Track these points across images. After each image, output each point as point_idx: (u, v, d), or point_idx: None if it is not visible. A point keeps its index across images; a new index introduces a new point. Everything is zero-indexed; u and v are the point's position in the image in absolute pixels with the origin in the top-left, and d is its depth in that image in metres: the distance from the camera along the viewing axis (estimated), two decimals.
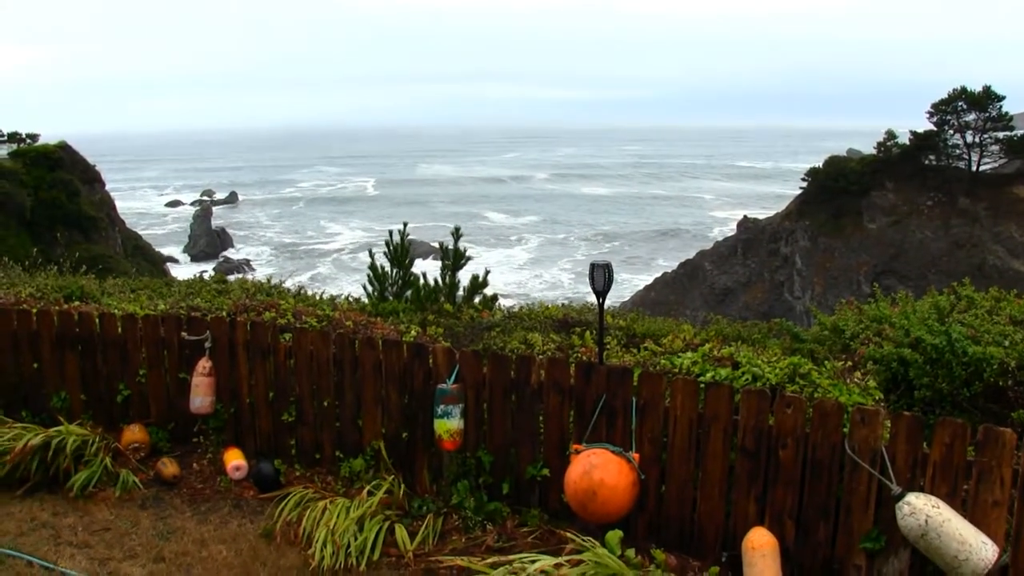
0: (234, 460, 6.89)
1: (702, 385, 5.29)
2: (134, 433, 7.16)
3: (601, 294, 5.66)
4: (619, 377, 5.49)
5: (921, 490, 4.51)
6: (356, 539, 5.60)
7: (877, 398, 5.44)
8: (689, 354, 5.99)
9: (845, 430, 4.80)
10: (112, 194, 58.65)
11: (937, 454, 4.47)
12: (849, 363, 5.96)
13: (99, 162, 57.25)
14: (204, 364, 7.00)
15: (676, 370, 5.76)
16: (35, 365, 7.51)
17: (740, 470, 5.14)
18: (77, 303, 8.63)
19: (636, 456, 5.37)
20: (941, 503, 4.32)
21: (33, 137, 54.89)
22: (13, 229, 42.56)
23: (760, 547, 4.86)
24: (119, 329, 7.34)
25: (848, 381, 5.53)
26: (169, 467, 6.85)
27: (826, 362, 5.76)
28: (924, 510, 4.28)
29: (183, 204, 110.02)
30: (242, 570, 5.50)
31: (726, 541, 5.25)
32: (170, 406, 7.35)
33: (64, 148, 51.78)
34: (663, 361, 6.08)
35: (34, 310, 7.59)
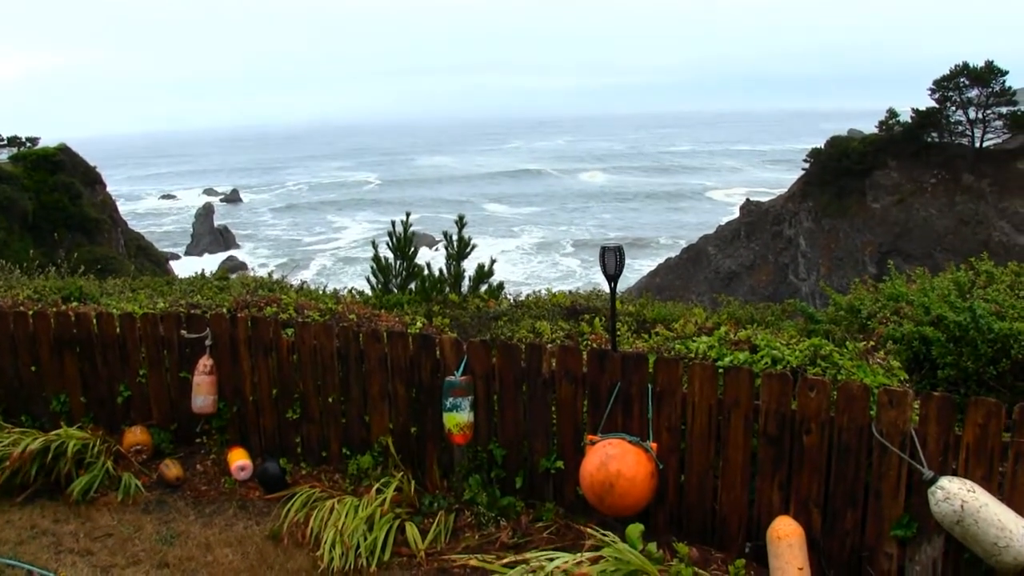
0: (238, 460, 6.71)
1: (720, 370, 5.10)
2: (136, 435, 6.99)
3: (613, 278, 5.47)
4: (634, 364, 5.30)
5: (954, 474, 4.32)
6: (366, 539, 5.44)
7: (902, 379, 5.25)
8: (704, 338, 5.79)
9: (872, 413, 4.61)
10: (113, 196, 58.47)
11: (971, 436, 4.27)
12: (871, 343, 5.75)
13: (100, 164, 57.02)
14: (205, 362, 6.82)
15: (692, 355, 5.57)
16: (33, 368, 7.34)
17: (763, 457, 4.96)
18: (75, 304, 8.46)
19: (654, 445, 5.19)
20: (977, 487, 4.12)
21: (33, 140, 54.68)
22: (16, 233, 42.42)
23: (786, 536, 4.67)
24: (117, 329, 7.16)
25: (871, 362, 5.34)
26: (172, 469, 6.68)
27: (848, 343, 5.55)
28: (959, 495, 4.08)
29: (185, 204, 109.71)
30: (249, 574, 5.33)
31: (750, 531, 5.08)
32: (172, 406, 7.17)
33: (64, 151, 51.53)
34: (678, 346, 5.88)
35: (31, 312, 7.41)
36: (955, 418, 4.37)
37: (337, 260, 73.68)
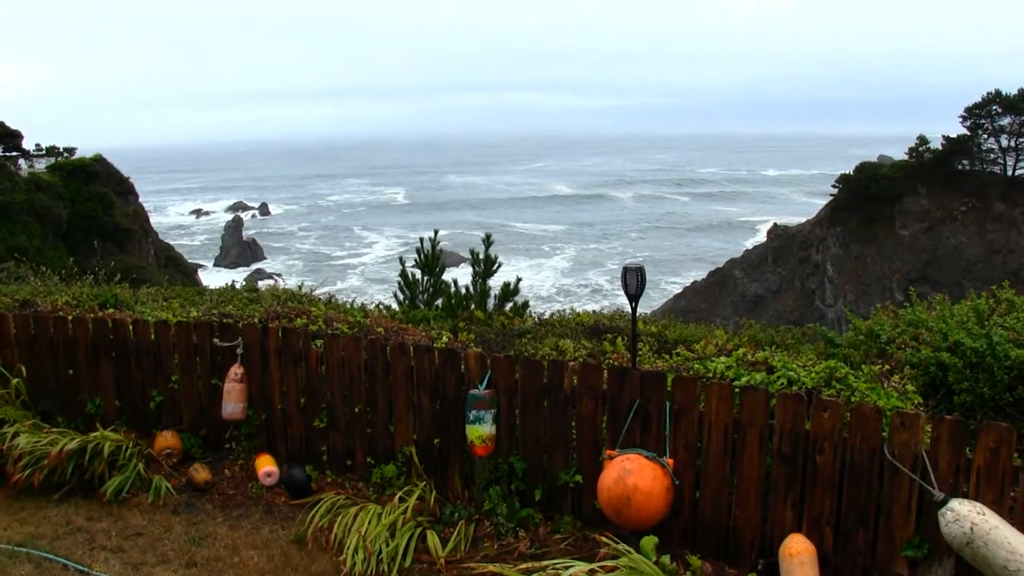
0: (265, 466, 6.89)
1: (737, 389, 5.22)
2: (167, 439, 7.20)
3: (634, 298, 5.60)
4: (653, 381, 5.43)
5: (965, 496, 4.40)
6: (388, 545, 5.58)
7: (916, 402, 5.33)
8: (723, 359, 5.90)
9: (884, 434, 4.71)
10: (145, 206, 59.35)
11: (982, 459, 4.36)
12: (886, 367, 5.84)
13: (132, 175, 57.93)
14: (236, 370, 7.02)
15: (710, 375, 5.68)
16: (71, 371, 7.57)
17: (776, 476, 5.06)
18: (112, 310, 8.70)
19: (670, 461, 5.30)
20: (987, 510, 4.20)
21: (70, 151, 55.76)
22: (51, 241, 43.21)
23: (798, 554, 4.76)
24: (152, 336, 7.39)
25: (886, 385, 5.43)
26: (201, 473, 6.87)
27: (863, 366, 5.64)
28: (969, 517, 4.16)
29: (215, 216, 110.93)
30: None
31: (762, 548, 5.17)
32: (202, 412, 7.37)
33: (99, 161, 52.51)
34: (696, 366, 6.00)
35: (70, 317, 7.66)
36: (967, 441, 4.46)
37: (365, 275, 74.16)
